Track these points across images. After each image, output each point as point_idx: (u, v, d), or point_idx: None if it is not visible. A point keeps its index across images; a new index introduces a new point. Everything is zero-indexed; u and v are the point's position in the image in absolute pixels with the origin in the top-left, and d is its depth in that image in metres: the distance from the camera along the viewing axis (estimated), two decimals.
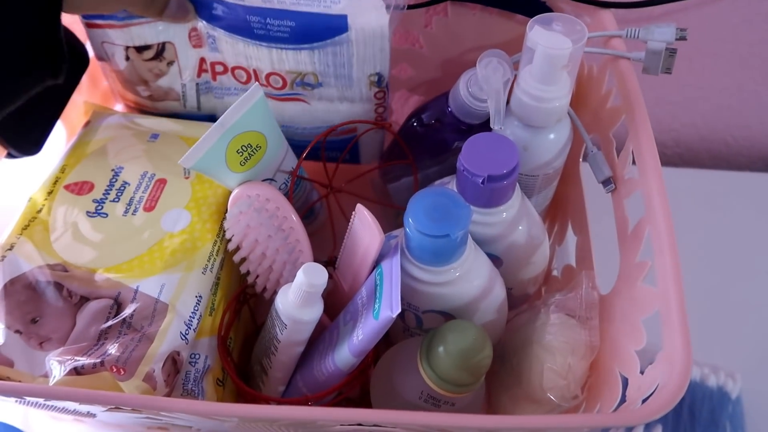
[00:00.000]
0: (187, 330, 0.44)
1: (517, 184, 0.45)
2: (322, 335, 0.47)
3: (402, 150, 0.56)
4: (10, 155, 0.48)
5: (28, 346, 0.42)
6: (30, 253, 0.46)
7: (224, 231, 0.48)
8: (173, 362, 0.42)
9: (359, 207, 0.45)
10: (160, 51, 0.53)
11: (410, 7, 0.57)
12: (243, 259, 0.48)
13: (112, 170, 0.51)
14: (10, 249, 0.46)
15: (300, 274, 0.41)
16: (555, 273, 0.57)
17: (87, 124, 0.55)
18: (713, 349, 0.53)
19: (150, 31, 0.52)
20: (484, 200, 0.44)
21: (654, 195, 0.41)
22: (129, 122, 0.55)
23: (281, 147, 0.50)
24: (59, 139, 0.57)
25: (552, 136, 0.47)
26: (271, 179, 0.51)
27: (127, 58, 0.54)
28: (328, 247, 0.53)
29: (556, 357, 0.43)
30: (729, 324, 0.60)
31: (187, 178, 0.50)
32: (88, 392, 0.37)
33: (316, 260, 0.46)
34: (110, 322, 0.43)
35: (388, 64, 0.52)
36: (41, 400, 0.39)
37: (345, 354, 0.42)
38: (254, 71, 0.53)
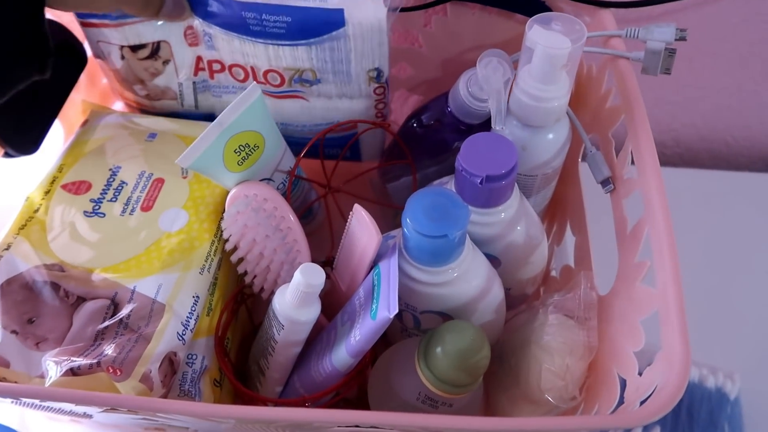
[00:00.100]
0: (184, 330, 0.44)
1: (516, 184, 0.45)
2: (320, 336, 0.47)
3: (401, 150, 0.55)
4: (7, 154, 0.48)
5: (25, 346, 0.42)
6: (27, 252, 0.46)
7: (222, 231, 0.48)
8: (170, 363, 0.42)
9: (357, 207, 0.44)
10: (155, 50, 0.53)
11: (410, 8, 0.57)
12: (240, 259, 0.47)
13: (110, 170, 0.50)
14: (6, 249, 0.46)
15: (297, 275, 0.41)
16: (553, 273, 0.57)
17: (85, 123, 0.55)
18: (712, 349, 0.53)
19: (144, 30, 0.51)
20: (483, 200, 0.44)
21: (653, 195, 0.41)
22: (127, 121, 0.55)
23: (279, 147, 0.50)
24: (57, 138, 0.57)
25: (551, 135, 0.47)
26: (269, 179, 0.50)
27: (123, 58, 0.53)
28: (326, 247, 0.53)
29: (555, 358, 0.43)
30: (728, 325, 0.60)
31: (184, 177, 0.50)
32: (84, 393, 0.37)
33: (313, 260, 0.46)
34: (107, 323, 0.43)
35: (387, 58, 0.51)
36: (37, 401, 0.39)
37: (342, 354, 0.42)
38: (252, 68, 0.53)
